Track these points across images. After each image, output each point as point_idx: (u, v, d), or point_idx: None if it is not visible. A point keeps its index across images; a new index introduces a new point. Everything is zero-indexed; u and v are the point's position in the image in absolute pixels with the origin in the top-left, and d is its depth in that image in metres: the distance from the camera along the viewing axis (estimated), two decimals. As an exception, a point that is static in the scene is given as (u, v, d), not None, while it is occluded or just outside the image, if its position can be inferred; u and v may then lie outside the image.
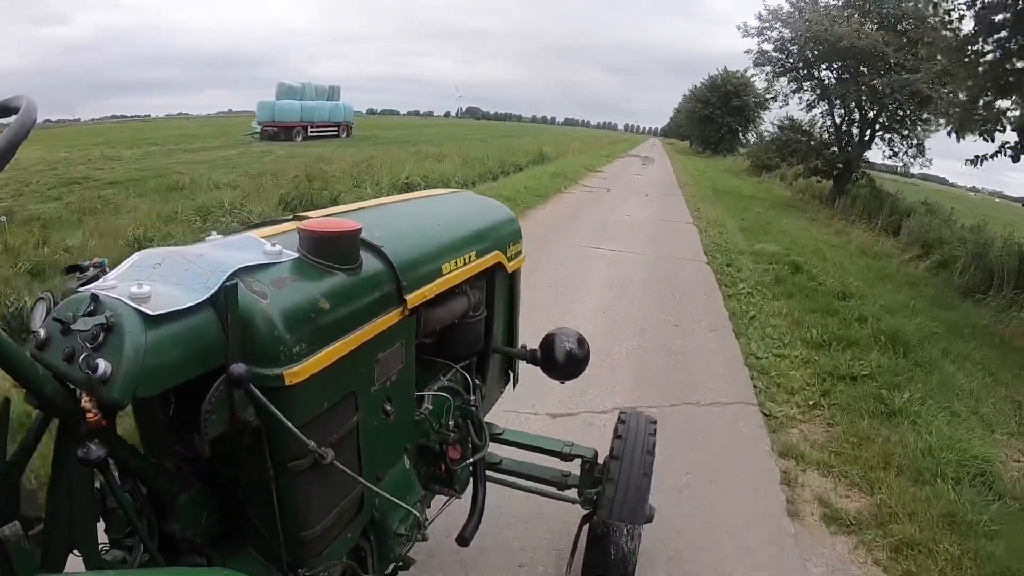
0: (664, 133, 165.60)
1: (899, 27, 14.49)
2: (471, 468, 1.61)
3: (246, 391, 0.86)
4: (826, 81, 16.86)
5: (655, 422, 1.86)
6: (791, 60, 17.49)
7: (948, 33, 8.57)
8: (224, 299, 0.86)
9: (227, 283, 0.87)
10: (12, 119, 0.74)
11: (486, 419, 1.73)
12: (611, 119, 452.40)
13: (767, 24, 17.52)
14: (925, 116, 14.90)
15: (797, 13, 16.66)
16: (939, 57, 9.50)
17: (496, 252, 1.62)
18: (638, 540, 1.60)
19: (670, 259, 6.96)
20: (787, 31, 17.11)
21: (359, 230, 1.10)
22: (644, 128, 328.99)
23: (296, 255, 1.05)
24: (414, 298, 1.22)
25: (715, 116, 43.73)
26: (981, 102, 7.40)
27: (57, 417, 0.83)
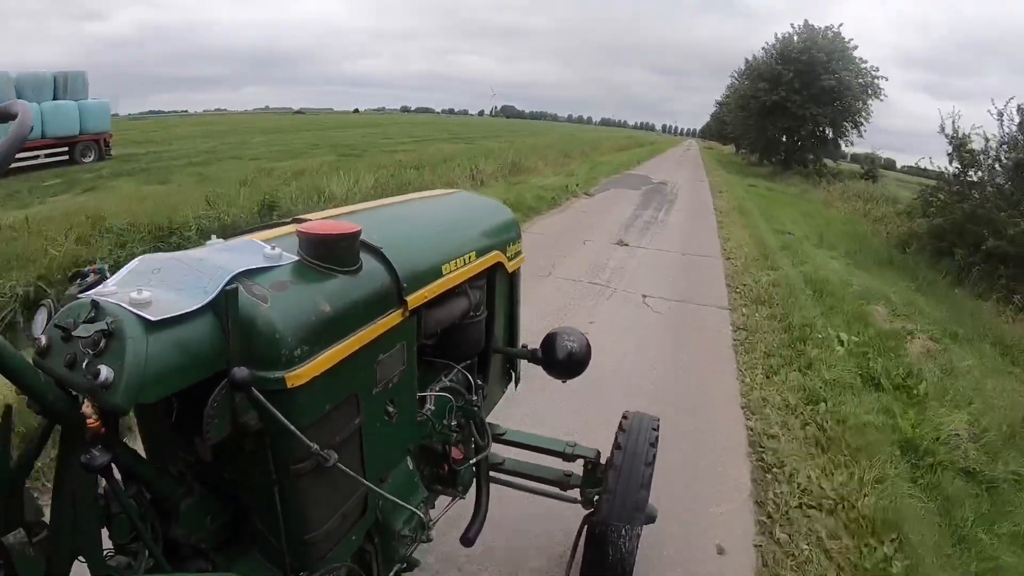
0: (702, 134, 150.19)
1: None
2: (474, 468, 1.61)
3: (248, 395, 0.86)
4: None
5: (658, 421, 1.84)
6: None
7: None
8: (224, 303, 0.86)
9: (227, 287, 0.87)
10: (11, 124, 0.74)
11: (488, 419, 1.73)
12: (650, 120, 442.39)
13: None
14: None
15: None
16: None
17: (496, 252, 1.61)
18: (636, 541, 1.59)
19: None
20: None
21: (359, 232, 1.09)
22: (682, 130, 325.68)
23: (296, 258, 1.04)
24: (414, 299, 1.21)
25: (790, 105, 25.86)
26: None
27: (60, 424, 0.83)
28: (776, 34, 27.82)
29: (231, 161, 16.32)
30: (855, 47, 25.73)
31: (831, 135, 26.87)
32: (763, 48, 28.43)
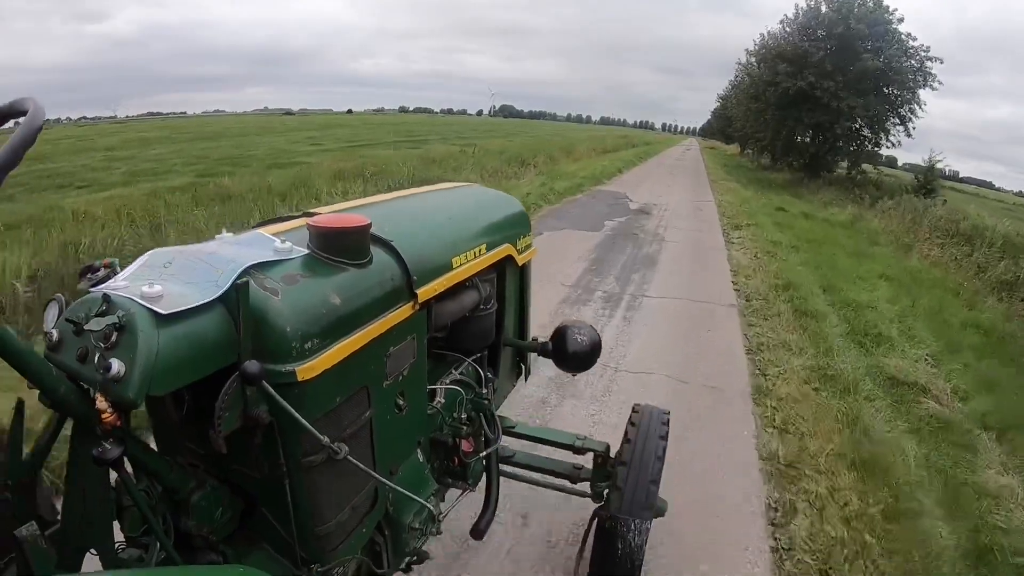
0: (702, 133, 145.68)
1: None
2: (484, 461, 1.60)
3: (259, 388, 0.86)
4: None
5: (668, 414, 1.82)
6: None
7: None
8: (236, 297, 0.86)
9: (238, 281, 0.87)
10: (21, 121, 0.74)
11: (498, 412, 1.72)
12: (651, 118, 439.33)
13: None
14: None
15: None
16: None
17: (506, 245, 1.60)
18: (646, 535, 1.57)
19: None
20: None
21: (369, 225, 1.08)
22: (682, 128, 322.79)
23: (306, 251, 1.04)
24: (425, 292, 1.21)
25: (821, 94, 19.31)
26: None
27: (71, 417, 0.83)
28: (798, 4, 21.73)
29: (50, 192, 11.82)
30: (900, 19, 19.91)
31: (868, 133, 21.03)
32: (781, 22, 22.32)
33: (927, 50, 19.80)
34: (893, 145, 20.58)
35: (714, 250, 7.38)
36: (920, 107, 19.84)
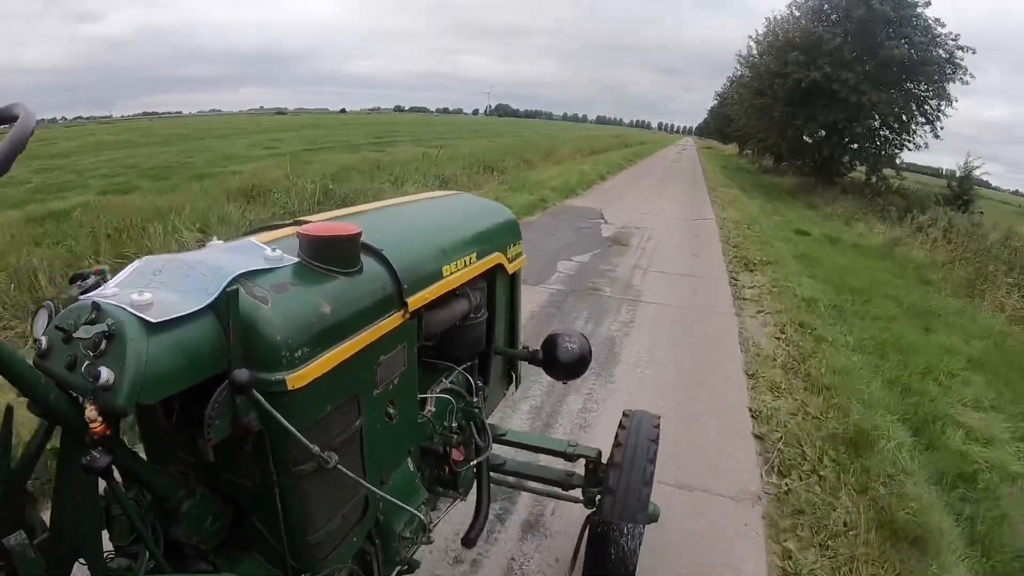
0: (698, 132, 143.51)
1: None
2: (475, 470, 1.60)
3: (249, 397, 0.86)
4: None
5: (659, 420, 1.81)
6: None
7: None
8: (225, 305, 0.86)
9: (228, 289, 0.87)
10: (11, 127, 0.74)
11: (489, 420, 1.73)
12: (648, 118, 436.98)
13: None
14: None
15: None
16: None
17: (497, 253, 1.61)
18: (639, 540, 1.56)
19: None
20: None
21: (359, 234, 1.08)
22: (678, 127, 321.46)
23: (297, 260, 1.04)
24: (415, 301, 1.21)
25: (838, 87, 16.70)
26: None
27: (60, 425, 0.83)
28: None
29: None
30: (927, 2, 17.31)
31: (889, 134, 18.40)
32: (789, 5, 19.55)
33: (956, 38, 17.24)
34: (918, 147, 18.06)
35: (716, 317, 4.81)
36: (951, 104, 17.31)
